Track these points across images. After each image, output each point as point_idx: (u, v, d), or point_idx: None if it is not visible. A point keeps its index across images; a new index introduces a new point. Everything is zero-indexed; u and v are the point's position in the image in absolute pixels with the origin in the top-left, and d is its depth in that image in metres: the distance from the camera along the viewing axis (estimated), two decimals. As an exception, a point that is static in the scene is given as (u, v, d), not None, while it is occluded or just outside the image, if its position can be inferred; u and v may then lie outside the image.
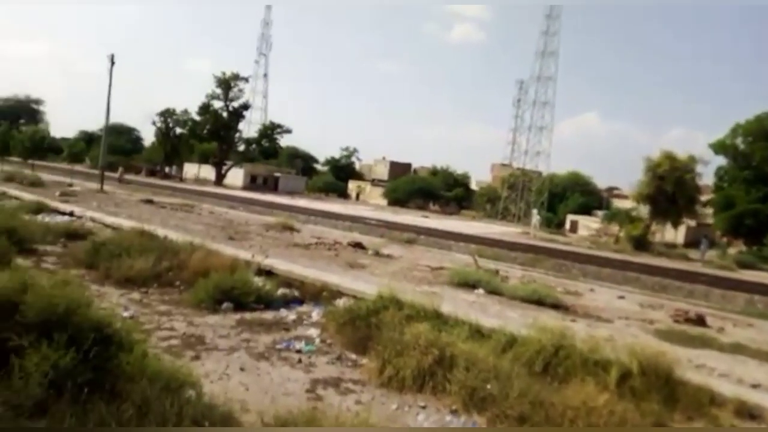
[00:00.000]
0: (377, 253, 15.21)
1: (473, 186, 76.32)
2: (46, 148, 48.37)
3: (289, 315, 8.61)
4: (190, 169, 66.68)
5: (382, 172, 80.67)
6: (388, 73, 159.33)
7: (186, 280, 9.76)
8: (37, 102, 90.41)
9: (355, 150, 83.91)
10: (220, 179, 59.78)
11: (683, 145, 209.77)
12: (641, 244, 31.92)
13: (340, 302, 9.06)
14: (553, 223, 51.34)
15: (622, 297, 12.82)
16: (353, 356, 6.93)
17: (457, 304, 9.07)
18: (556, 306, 10.34)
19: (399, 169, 78.97)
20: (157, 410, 4.11)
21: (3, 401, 3.98)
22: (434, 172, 76.11)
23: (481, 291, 10.92)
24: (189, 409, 4.21)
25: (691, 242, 40.58)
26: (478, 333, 7.31)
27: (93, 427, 3.94)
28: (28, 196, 20.59)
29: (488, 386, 5.66)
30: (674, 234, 40.96)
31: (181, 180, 60.59)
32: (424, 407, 5.56)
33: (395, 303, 7.88)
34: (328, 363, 6.63)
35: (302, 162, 78.35)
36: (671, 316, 10.55)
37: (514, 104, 71.97)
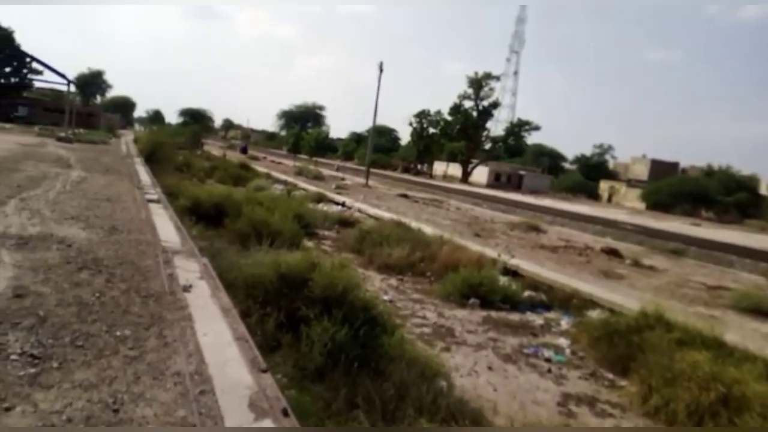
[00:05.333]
0: (636, 263, 13.60)
1: (763, 190, 62.64)
2: (326, 147, 56.99)
3: (536, 319, 8.29)
4: (439, 167, 70.43)
5: (641, 172, 72.35)
6: (655, 62, 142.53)
7: (435, 271, 10.20)
8: (321, 108, 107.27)
9: (610, 147, 77.22)
10: (465, 176, 61.66)
11: None
12: None
13: (594, 313, 8.34)
14: None
15: None
16: (610, 375, 6.28)
17: (745, 333, 7.46)
18: None
19: (662, 169, 69.72)
20: (414, 395, 4.32)
21: (293, 363, 4.68)
22: (709, 172, 64.82)
23: (781, 322, 8.79)
24: (443, 400, 4.33)
25: None
26: (778, 374, 5.86)
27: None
28: (311, 187, 24.41)
29: (795, 444, 4.49)
30: None
31: (431, 177, 64.44)
32: (701, 452, 4.68)
33: (662, 323, 6.87)
34: (581, 378, 6.13)
35: (548, 160, 75.47)
36: None
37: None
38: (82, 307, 3.89)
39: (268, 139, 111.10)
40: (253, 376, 3.08)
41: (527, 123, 62.15)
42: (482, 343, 6.80)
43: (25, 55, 44.94)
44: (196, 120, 71.66)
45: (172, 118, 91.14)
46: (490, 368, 6.01)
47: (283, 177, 29.23)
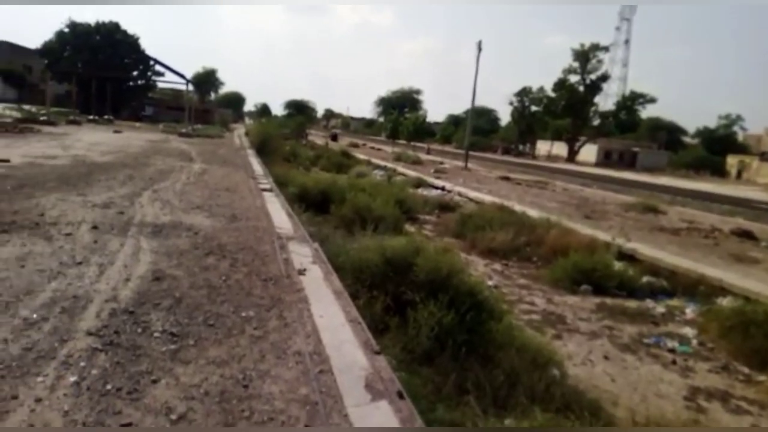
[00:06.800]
0: (775, 246, 12.16)
1: None
2: (424, 131, 56.83)
3: (656, 307, 7.72)
4: (542, 147, 67.56)
5: (778, 144, 64.17)
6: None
7: (542, 256, 9.86)
8: (417, 92, 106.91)
9: (739, 118, 69.29)
10: (572, 156, 58.64)
11: None
12: None
13: (724, 301, 7.62)
14: None
15: None
16: (745, 369, 5.70)
17: None
18: None
19: (805, 139, 61.27)
20: (525, 383, 4.22)
21: (402, 346, 4.76)
22: None
23: None
24: (556, 389, 4.19)
25: None
26: None
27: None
28: (411, 172, 24.55)
29: None
30: None
31: (534, 157, 62.07)
32: None
33: (811, 313, 6.11)
34: (711, 371, 5.63)
35: (666, 134, 69.43)
36: None
37: None
38: (211, 290, 4.24)
39: (367, 126, 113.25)
40: (368, 357, 3.18)
41: (641, 95, 57.61)
42: (597, 332, 6.47)
43: (149, 58, 49.47)
44: (300, 111, 74.74)
45: (278, 110, 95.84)
46: (606, 358, 5.71)
47: (382, 163, 29.67)
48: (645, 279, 8.71)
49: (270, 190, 10.90)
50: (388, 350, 4.57)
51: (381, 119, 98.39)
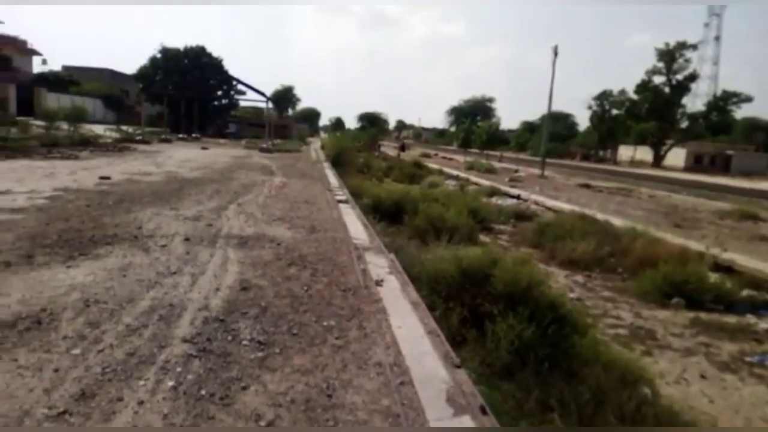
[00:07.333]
0: None
1: None
2: (497, 139, 55.89)
3: (759, 323, 7.08)
4: (625, 152, 64.30)
5: None
6: None
7: (628, 267, 9.36)
8: (490, 100, 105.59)
9: None
10: (657, 161, 55.34)
11: None
12: None
13: (843, 318, 6.86)
14: None
15: None
16: None
17: None
18: None
19: None
20: (614, 401, 4.01)
21: (481, 360, 4.68)
22: None
23: None
24: (648, 409, 3.95)
25: None
26: None
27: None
28: (484, 181, 24.19)
29: None
30: None
31: (615, 163, 59.20)
32: None
33: None
34: (828, 396, 5.07)
35: (763, 135, 63.87)
36: None
37: None
38: (294, 299, 4.40)
39: (438, 136, 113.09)
40: (448, 370, 3.16)
41: (734, 94, 53.41)
42: (691, 348, 6.03)
43: (232, 78, 52.34)
44: (372, 123, 75.88)
45: (351, 123, 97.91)
46: (703, 377, 5.31)
47: (454, 172, 29.46)
48: (745, 292, 8.03)
49: (346, 202, 11.14)
50: (466, 363, 4.51)
51: (453, 129, 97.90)
